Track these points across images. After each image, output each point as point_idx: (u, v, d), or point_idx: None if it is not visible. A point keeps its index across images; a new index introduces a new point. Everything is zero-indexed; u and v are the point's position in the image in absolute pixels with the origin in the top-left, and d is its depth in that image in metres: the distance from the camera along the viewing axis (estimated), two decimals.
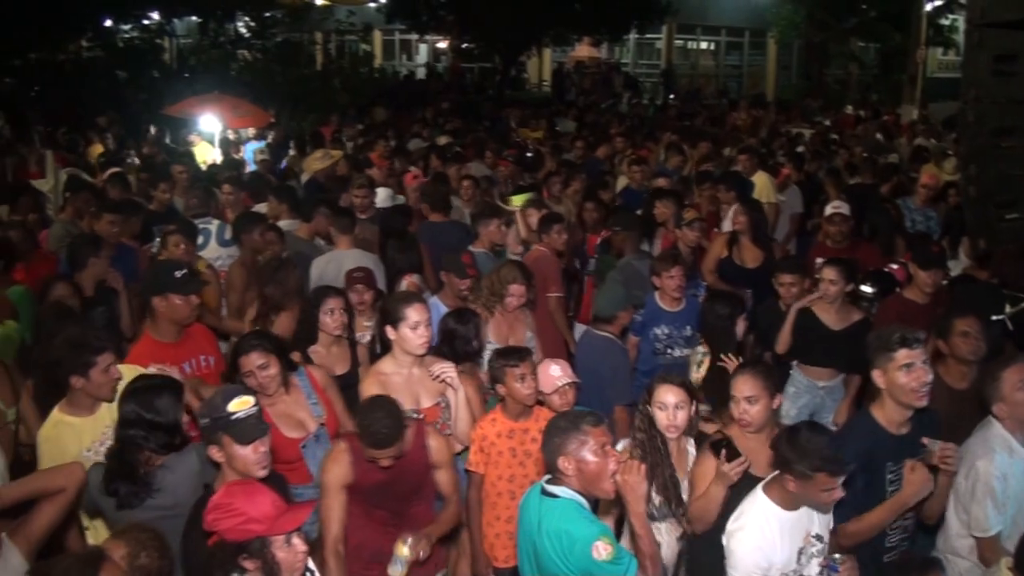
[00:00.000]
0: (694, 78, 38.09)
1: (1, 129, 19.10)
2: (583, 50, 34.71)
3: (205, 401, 4.25)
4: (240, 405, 4.12)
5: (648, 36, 36.96)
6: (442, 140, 16.72)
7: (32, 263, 8.06)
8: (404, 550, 4.53)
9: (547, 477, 4.17)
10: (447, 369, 5.38)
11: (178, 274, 5.76)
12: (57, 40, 24.78)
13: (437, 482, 4.97)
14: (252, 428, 4.12)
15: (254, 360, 5.15)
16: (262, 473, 4.15)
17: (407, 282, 7.27)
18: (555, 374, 5.54)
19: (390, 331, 5.42)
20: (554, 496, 4.05)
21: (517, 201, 9.75)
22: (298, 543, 3.52)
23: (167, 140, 17.45)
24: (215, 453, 4.18)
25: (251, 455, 4.11)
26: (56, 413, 5.03)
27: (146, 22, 25.34)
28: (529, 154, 14.85)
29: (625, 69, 36.71)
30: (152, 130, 18.39)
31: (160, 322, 5.75)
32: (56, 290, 6.67)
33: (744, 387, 4.94)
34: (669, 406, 4.97)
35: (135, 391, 4.54)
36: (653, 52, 39.71)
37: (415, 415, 5.17)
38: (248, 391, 4.42)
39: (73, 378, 4.91)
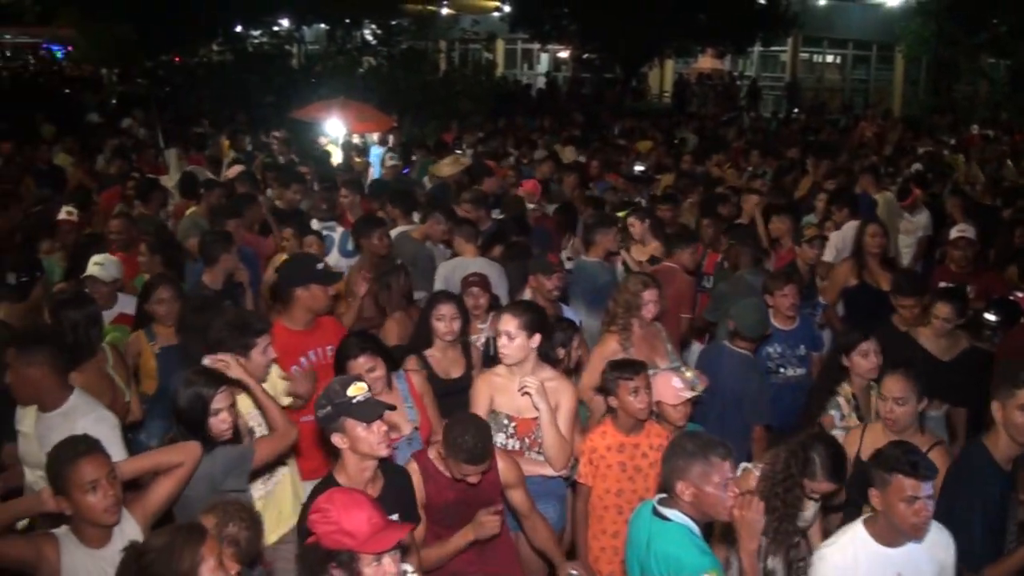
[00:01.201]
0: (819, 92, 37.45)
1: (131, 127, 19.78)
2: (706, 61, 34.44)
3: (324, 391, 4.30)
4: (358, 390, 4.19)
5: (773, 48, 36.41)
6: (567, 152, 16.71)
7: (133, 253, 8.36)
8: None
9: (660, 496, 4.11)
10: (528, 382, 5.28)
11: (319, 266, 5.99)
12: (190, 44, 25.66)
13: (512, 502, 4.95)
14: (373, 408, 4.20)
15: (362, 364, 5.22)
16: (385, 452, 4.26)
17: (531, 291, 7.34)
18: (678, 386, 5.48)
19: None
20: (666, 519, 4.00)
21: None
22: (388, 563, 3.48)
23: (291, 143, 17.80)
24: (338, 440, 4.21)
25: (374, 435, 4.17)
26: None
27: (276, 29, 26.03)
28: (639, 167, 14.78)
29: (747, 81, 36.25)
30: (279, 132, 18.83)
31: (296, 311, 5.95)
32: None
33: (894, 387, 5.11)
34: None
35: (182, 375, 4.73)
36: (777, 64, 39.14)
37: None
38: (360, 378, 4.48)
39: None
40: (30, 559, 3.78)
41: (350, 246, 8.99)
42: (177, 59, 26.73)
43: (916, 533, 4.10)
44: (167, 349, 6.42)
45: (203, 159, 14.64)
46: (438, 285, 7.82)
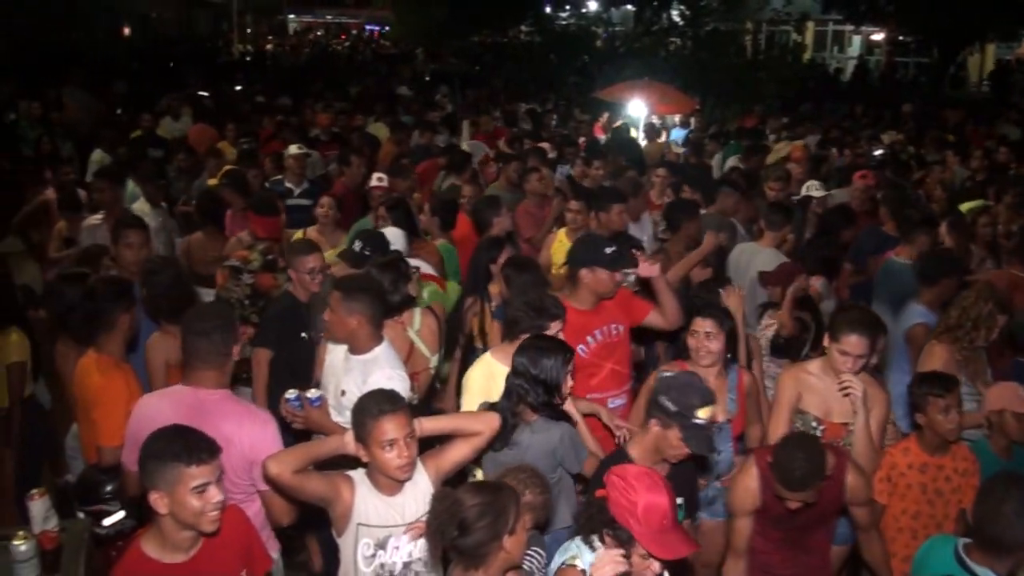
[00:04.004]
0: None
1: (440, 101, 20.57)
2: None
3: (680, 386, 4.30)
4: (706, 413, 4.20)
5: None
6: (887, 138, 15.90)
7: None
8: None
9: (965, 542, 3.80)
10: (854, 383, 4.99)
11: (608, 250, 5.85)
12: (499, 25, 26.48)
13: (854, 515, 4.74)
14: (704, 441, 4.23)
15: (702, 325, 5.30)
16: (675, 460, 4.29)
17: (804, 282, 6.98)
18: None
19: (827, 338, 5.23)
20: (974, 574, 3.68)
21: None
22: (657, 565, 3.51)
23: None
24: (653, 426, 4.27)
25: (684, 452, 4.22)
26: (489, 356, 5.41)
27: (584, 10, 26.35)
28: (878, 151, 13.80)
29: None
30: (578, 112, 19.03)
31: (580, 291, 5.92)
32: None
33: None
34: None
35: (529, 346, 4.81)
36: None
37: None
38: (712, 399, 4.41)
39: (523, 336, 5.21)
40: (328, 496, 3.99)
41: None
42: (486, 40, 27.67)
43: None
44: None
45: (489, 138, 14.96)
46: (731, 269, 7.72)
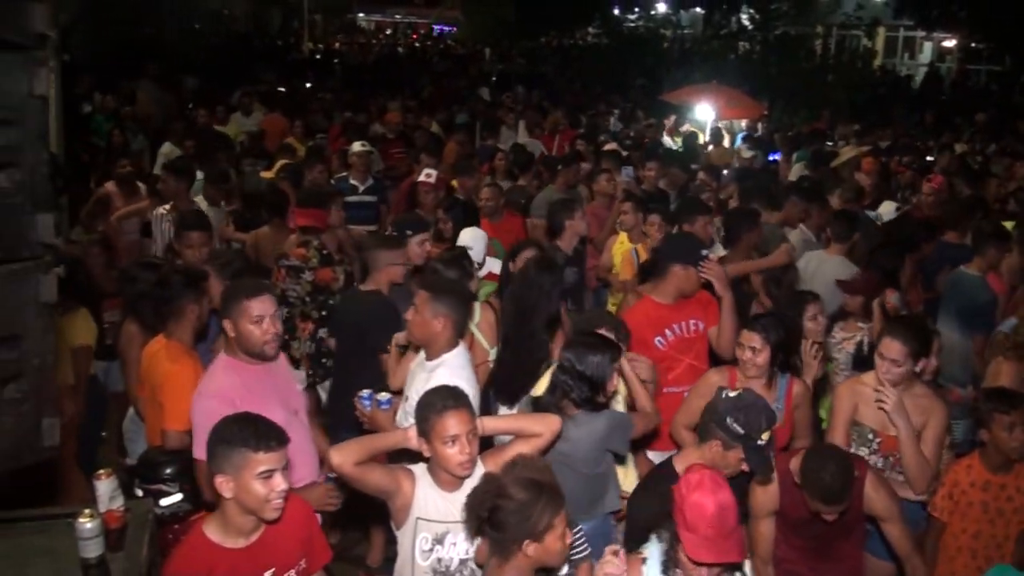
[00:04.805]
0: None
1: (505, 102, 20.57)
2: None
3: (747, 408, 4.27)
4: (767, 437, 4.19)
5: None
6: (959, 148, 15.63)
7: (502, 222, 8.89)
8: None
9: None
10: (887, 394, 4.94)
11: (704, 252, 5.98)
12: (567, 26, 26.51)
13: (886, 533, 4.66)
14: (764, 461, 4.25)
15: (753, 339, 5.23)
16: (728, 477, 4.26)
17: (888, 303, 6.87)
18: None
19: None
20: None
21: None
22: (704, 571, 3.53)
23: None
24: (714, 446, 4.27)
25: (738, 467, 4.22)
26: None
27: (652, 12, 26.27)
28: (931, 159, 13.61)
29: None
30: (641, 114, 18.93)
31: (667, 285, 6.02)
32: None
33: None
34: None
35: (576, 343, 4.82)
36: None
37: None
38: (775, 420, 4.42)
39: None
40: (389, 488, 4.01)
41: None
42: (552, 41, 27.70)
43: None
44: None
45: (548, 138, 14.96)
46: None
